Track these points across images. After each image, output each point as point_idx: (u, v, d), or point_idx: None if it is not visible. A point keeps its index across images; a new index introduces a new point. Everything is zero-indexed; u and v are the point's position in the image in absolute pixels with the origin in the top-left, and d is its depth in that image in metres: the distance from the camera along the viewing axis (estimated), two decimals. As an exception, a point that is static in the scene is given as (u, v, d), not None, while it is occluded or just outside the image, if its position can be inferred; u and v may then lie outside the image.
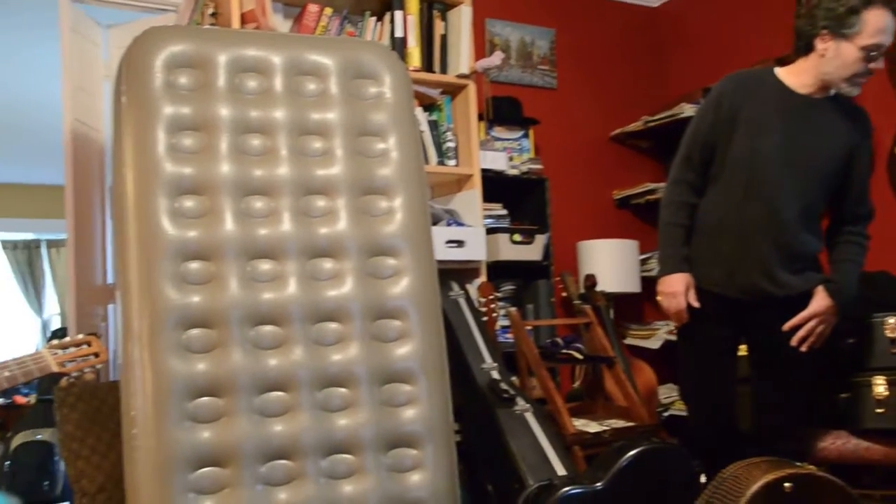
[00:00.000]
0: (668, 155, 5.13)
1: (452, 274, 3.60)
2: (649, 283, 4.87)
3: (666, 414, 4.57)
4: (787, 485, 2.34)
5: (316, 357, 2.34)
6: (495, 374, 3.25)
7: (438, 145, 3.83)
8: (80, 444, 2.61)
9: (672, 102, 4.96)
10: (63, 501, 3.91)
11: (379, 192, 2.52)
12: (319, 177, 2.47)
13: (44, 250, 9.12)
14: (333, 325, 2.38)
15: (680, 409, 4.52)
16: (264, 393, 2.27)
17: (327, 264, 2.42)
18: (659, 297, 3.07)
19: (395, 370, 2.41)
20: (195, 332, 2.24)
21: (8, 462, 4.89)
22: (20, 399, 6.12)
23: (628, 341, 4.97)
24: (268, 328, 2.32)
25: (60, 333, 5.23)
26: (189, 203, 2.32)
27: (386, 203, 2.52)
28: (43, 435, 4.87)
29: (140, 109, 2.35)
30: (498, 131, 4.45)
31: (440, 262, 2.67)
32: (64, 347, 1.71)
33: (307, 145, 2.48)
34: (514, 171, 4.42)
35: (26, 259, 9.07)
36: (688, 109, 4.70)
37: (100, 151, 3.42)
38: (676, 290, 2.99)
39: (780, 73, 2.98)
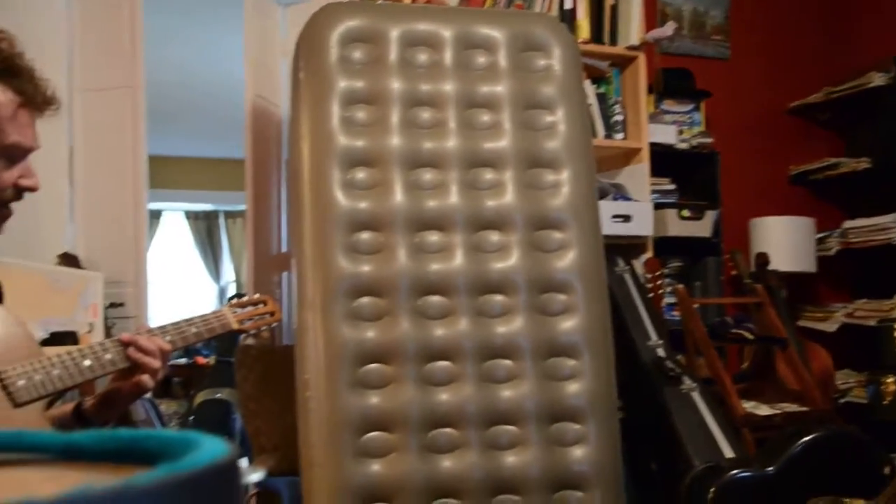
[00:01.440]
0: (851, 128, 4.85)
1: (618, 249, 3.55)
2: (826, 263, 4.62)
3: (843, 400, 4.35)
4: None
5: (481, 328, 2.37)
6: (661, 352, 3.19)
7: (606, 118, 3.78)
8: (258, 404, 2.76)
9: (859, 71, 4.67)
10: (241, 458, 4.15)
11: (546, 166, 2.51)
12: (487, 149, 2.49)
13: (222, 220, 9.65)
14: (499, 297, 2.41)
15: (858, 397, 4.29)
16: (430, 362, 2.33)
17: (494, 236, 2.44)
18: None
19: (559, 344, 2.41)
20: (365, 300, 2.32)
21: (191, 418, 5.23)
22: (201, 360, 6.53)
23: (802, 323, 4.76)
24: (435, 298, 2.37)
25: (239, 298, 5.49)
26: (361, 175, 2.40)
27: (553, 176, 2.51)
28: (222, 394, 5.17)
29: (316, 84, 2.44)
30: (668, 104, 4.34)
31: (606, 236, 2.64)
32: (242, 306, 1.80)
33: (475, 118, 2.51)
34: (684, 145, 4.30)
35: (206, 229, 9.63)
36: (877, 79, 4.42)
37: (277, 126, 3.58)
38: None
39: None
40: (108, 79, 3.51)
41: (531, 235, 2.45)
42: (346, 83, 2.44)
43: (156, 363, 1.49)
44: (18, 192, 1.38)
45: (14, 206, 1.41)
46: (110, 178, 3.51)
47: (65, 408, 1.56)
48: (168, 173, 8.46)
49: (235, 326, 1.74)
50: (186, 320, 1.64)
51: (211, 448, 0.41)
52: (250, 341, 2.81)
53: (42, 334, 2.56)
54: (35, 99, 1.37)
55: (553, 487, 2.33)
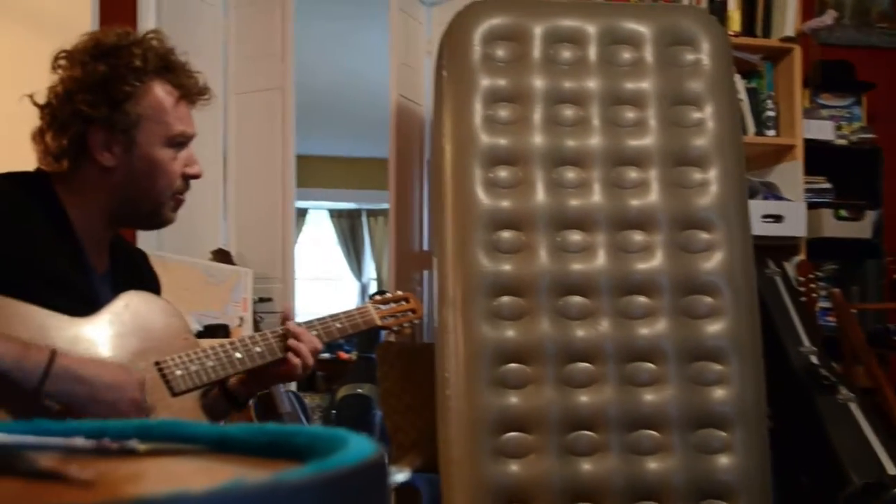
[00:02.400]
0: None
1: (768, 250, 3.41)
2: None
3: None
4: None
5: (623, 330, 2.33)
6: (814, 359, 3.04)
7: (757, 114, 3.63)
8: (398, 401, 2.81)
9: None
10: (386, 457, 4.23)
11: (693, 164, 2.44)
12: (631, 147, 2.44)
13: (364, 219, 9.87)
14: (642, 299, 2.36)
15: None
16: (571, 363, 2.30)
17: (637, 236, 2.39)
18: None
19: (705, 348, 2.34)
20: (505, 299, 2.32)
21: (333, 412, 5.37)
22: (343, 355, 6.70)
23: (973, 333, 4.43)
24: (576, 299, 2.34)
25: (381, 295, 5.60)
26: (503, 173, 2.39)
27: (700, 175, 2.44)
28: (363, 389, 5.29)
29: (459, 82, 2.45)
30: (824, 98, 4.13)
31: (755, 237, 2.54)
32: (385, 303, 1.83)
33: (620, 115, 2.46)
34: (842, 142, 4.08)
35: (349, 227, 9.87)
36: None
37: (420, 125, 3.62)
38: None
39: None
40: (259, 81, 3.64)
41: (676, 236, 2.39)
42: (489, 81, 2.44)
43: (309, 357, 1.54)
44: (186, 180, 1.47)
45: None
46: (261, 177, 3.64)
47: (214, 390, 1.64)
48: (313, 172, 8.72)
49: (379, 323, 1.77)
50: (331, 316, 1.68)
51: (359, 447, 0.42)
52: (392, 338, 2.85)
53: (196, 327, 2.68)
54: (191, 91, 1.47)
55: (696, 496, 2.26)
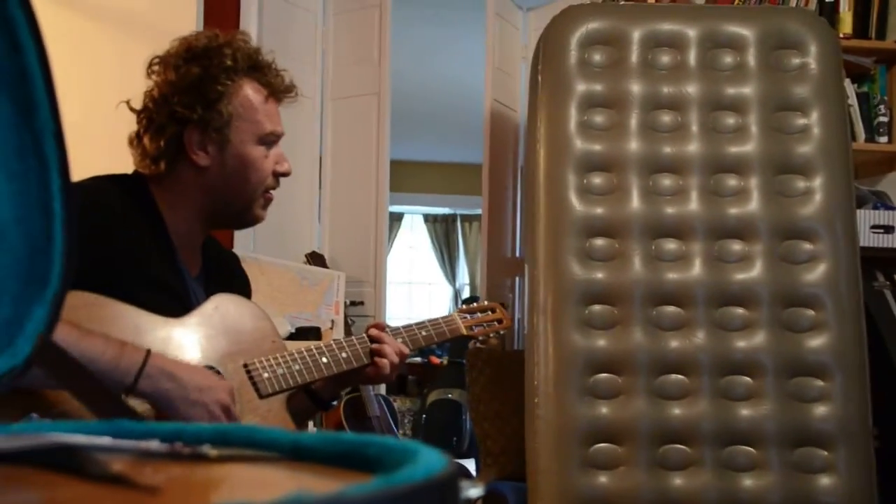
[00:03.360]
0: None
1: (878, 262, 3.26)
2: None
3: None
4: None
5: (719, 342, 2.25)
6: (925, 379, 2.89)
7: (868, 120, 3.48)
8: (486, 407, 2.79)
9: None
10: (469, 458, 4.22)
11: (796, 171, 2.35)
12: (731, 154, 2.36)
13: (458, 224, 9.90)
14: (739, 311, 2.28)
15: None
16: (664, 374, 2.24)
17: (736, 246, 2.31)
18: None
19: (806, 362, 2.24)
20: (597, 308, 2.27)
21: (423, 416, 5.40)
22: (435, 360, 6.72)
23: None
24: (670, 309, 2.28)
25: (471, 302, 5.64)
26: (597, 180, 2.35)
27: (804, 183, 2.35)
28: (453, 394, 5.30)
29: (554, 87, 2.42)
30: (941, 104, 3.93)
31: (863, 248, 2.43)
32: (471, 312, 1.82)
33: (720, 121, 2.39)
34: (963, 150, 3.88)
35: (443, 232, 9.92)
36: None
37: (515, 131, 3.61)
38: None
39: None
40: (356, 86, 3.69)
41: (778, 246, 2.30)
42: (585, 86, 2.41)
43: (395, 360, 1.56)
44: (276, 178, 1.49)
45: (270, 207, 1.53)
46: (355, 181, 3.68)
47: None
48: (409, 177, 8.79)
49: (464, 332, 1.76)
50: (418, 324, 1.68)
51: (428, 462, 0.40)
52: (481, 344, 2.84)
53: (289, 328, 2.72)
54: (278, 89, 1.51)
55: (795, 517, 2.17)
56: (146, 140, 1.44)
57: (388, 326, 1.65)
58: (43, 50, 0.66)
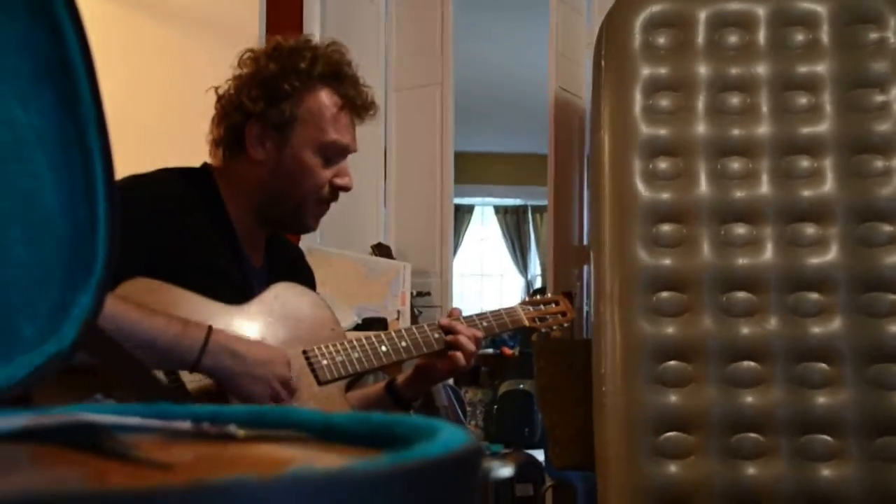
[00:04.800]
0: None
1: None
2: None
3: None
4: None
5: (793, 328, 2.19)
6: None
7: (950, 97, 3.34)
8: (555, 396, 2.76)
9: None
10: (540, 448, 4.20)
11: (874, 151, 2.27)
12: (804, 135, 2.29)
13: (529, 215, 9.86)
14: (814, 296, 2.21)
15: None
16: (735, 362, 2.19)
17: (809, 229, 2.24)
18: None
19: (887, 348, 2.17)
20: (665, 294, 2.24)
21: (495, 406, 5.39)
22: (507, 350, 6.70)
23: None
24: (741, 294, 2.23)
25: (542, 292, 5.62)
26: (663, 164, 2.31)
27: (882, 162, 2.27)
28: (525, 385, 5.28)
29: (618, 71, 2.38)
30: None
31: (948, 230, 2.33)
32: (535, 304, 1.80)
33: (791, 101, 2.32)
34: None
35: (514, 223, 9.88)
36: None
37: (580, 118, 3.56)
38: None
39: None
40: (419, 77, 3.69)
41: (854, 228, 2.22)
42: (650, 70, 2.37)
43: (471, 347, 1.53)
44: (334, 190, 1.48)
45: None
46: (420, 172, 3.69)
47: (372, 388, 1.65)
48: (478, 169, 8.78)
49: (526, 324, 1.74)
50: (479, 315, 1.67)
51: (448, 438, 0.39)
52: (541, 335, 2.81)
53: (355, 319, 2.74)
54: (355, 102, 1.49)
55: (876, 509, 2.10)
56: (215, 126, 1.47)
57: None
58: (85, 40, 0.67)
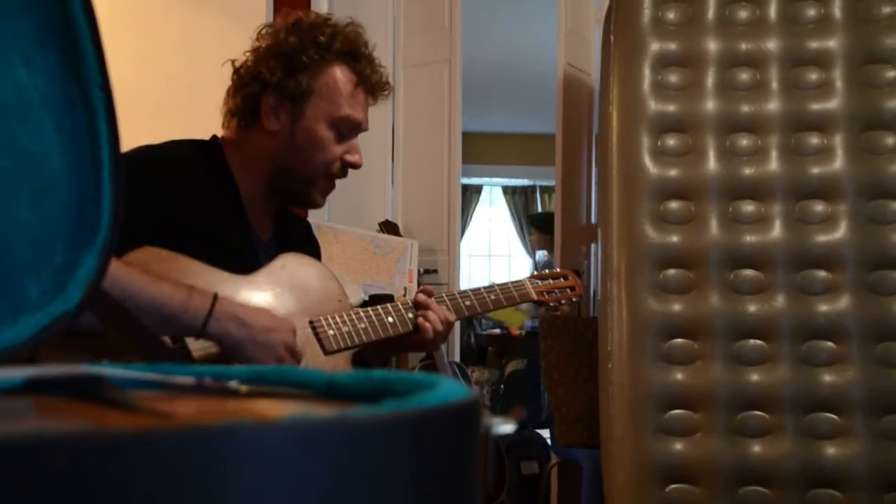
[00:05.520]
0: None
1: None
2: None
3: None
4: None
5: (800, 306, 2.19)
6: None
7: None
8: (561, 374, 2.77)
9: None
10: (546, 427, 4.22)
11: (886, 127, 2.25)
12: (814, 111, 2.28)
13: (538, 195, 9.83)
14: (822, 273, 2.20)
15: None
16: (741, 339, 2.19)
17: (818, 206, 2.23)
18: None
19: (895, 327, 2.16)
20: (672, 272, 2.23)
21: (502, 386, 5.40)
22: (514, 330, 6.71)
23: None
24: (748, 272, 2.22)
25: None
26: (671, 141, 2.30)
27: (893, 139, 2.25)
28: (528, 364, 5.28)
29: (627, 47, 2.37)
30: None
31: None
32: (543, 279, 1.81)
33: (801, 77, 2.30)
34: None
35: (523, 203, 9.86)
36: None
37: (589, 95, 3.55)
38: None
39: None
40: (427, 54, 3.68)
41: (864, 205, 2.21)
42: (659, 45, 2.35)
43: (439, 327, 1.55)
44: (344, 167, 1.50)
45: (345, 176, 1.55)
46: (428, 150, 3.68)
47: None
48: (486, 149, 8.76)
49: (535, 298, 1.75)
50: (487, 287, 1.68)
51: (447, 390, 0.39)
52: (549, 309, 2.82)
53: (362, 296, 2.75)
54: (371, 81, 1.52)
55: (882, 487, 2.10)
56: (230, 95, 1.48)
57: (452, 293, 1.65)
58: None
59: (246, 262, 1.44)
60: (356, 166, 1.52)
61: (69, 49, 0.69)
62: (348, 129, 1.50)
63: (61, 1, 0.67)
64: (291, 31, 1.47)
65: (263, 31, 1.50)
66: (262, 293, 1.39)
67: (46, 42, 0.68)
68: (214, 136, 1.54)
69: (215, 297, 1.27)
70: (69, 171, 0.71)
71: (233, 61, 1.51)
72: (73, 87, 0.69)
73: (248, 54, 1.49)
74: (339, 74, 1.47)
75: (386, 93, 1.55)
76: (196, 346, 1.30)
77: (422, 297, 1.58)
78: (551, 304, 1.84)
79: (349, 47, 1.49)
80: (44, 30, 0.68)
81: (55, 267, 0.69)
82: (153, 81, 2.56)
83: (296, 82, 1.44)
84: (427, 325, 1.54)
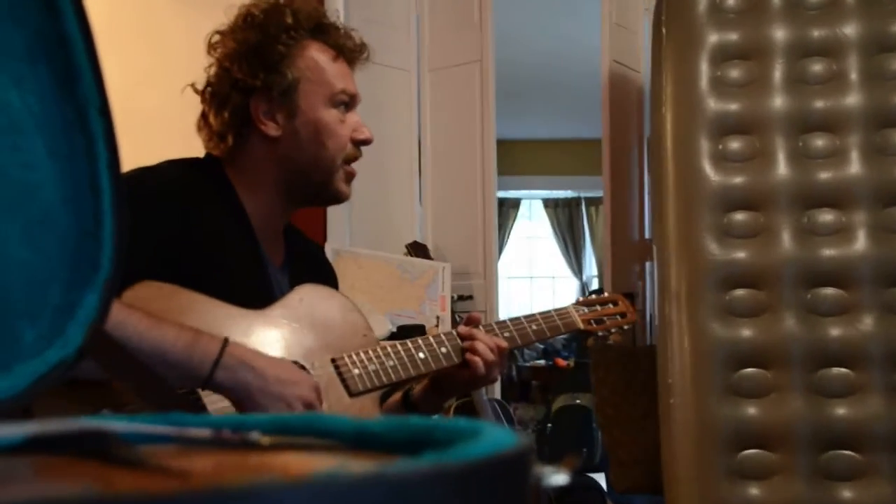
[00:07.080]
0: None
1: None
2: None
3: None
4: None
5: (891, 328, 2.17)
6: None
7: None
8: (616, 411, 2.75)
9: None
10: (600, 472, 4.19)
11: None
12: (900, 105, 2.27)
13: (583, 208, 9.81)
14: (916, 291, 2.19)
15: None
16: (823, 368, 2.18)
17: (908, 214, 2.22)
18: None
19: None
20: (740, 292, 2.22)
21: (549, 425, 5.37)
22: (561, 361, 6.69)
23: None
24: (829, 291, 2.21)
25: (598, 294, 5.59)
26: (735, 144, 2.30)
27: None
28: (582, 399, 5.26)
29: (681, 40, 2.37)
30: None
31: None
32: (589, 304, 1.79)
33: (885, 66, 2.30)
34: None
35: (566, 218, 9.84)
36: None
37: (638, 97, 3.54)
38: None
39: None
40: (455, 55, 3.69)
41: (961, 212, 2.19)
42: (718, 36, 2.35)
43: (490, 357, 1.53)
44: (356, 146, 1.52)
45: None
46: (459, 162, 3.69)
47: (390, 400, 1.66)
48: (526, 158, 8.76)
49: (581, 327, 1.74)
50: (527, 317, 1.67)
51: (493, 440, 0.39)
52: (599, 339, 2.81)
53: (390, 327, 2.75)
54: (347, 48, 1.55)
55: None
56: (211, 117, 1.49)
57: (489, 324, 1.64)
58: (82, 11, 0.68)
59: (259, 293, 1.44)
60: (367, 142, 1.55)
61: (62, 65, 0.70)
62: (348, 101, 1.53)
63: (53, 11, 0.68)
64: (249, 28, 1.48)
65: (214, 41, 1.51)
66: (278, 329, 1.40)
67: (37, 58, 0.69)
68: (209, 154, 1.55)
69: (225, 341, 1.27)
70: (66, 201, 0.72)
71: (192, 85, 1.52)
72: (69, 107, 0.70)
73: (211, 69, 1.50)
74: (316, 52, 1.51)
75: (365, 56, 1.58)
76: (211, 400, 1.29)
77: (463, 328, 1.57)
78: (600, 333, 1.82)
79: (315, 21, 1.52)
80: (34, 45, 0.69)
81: (52, 308, 0.70)
82: (158, 93, 2.59)
83: (280, 75, 1.46)
84: (476, 358, 1.53)
